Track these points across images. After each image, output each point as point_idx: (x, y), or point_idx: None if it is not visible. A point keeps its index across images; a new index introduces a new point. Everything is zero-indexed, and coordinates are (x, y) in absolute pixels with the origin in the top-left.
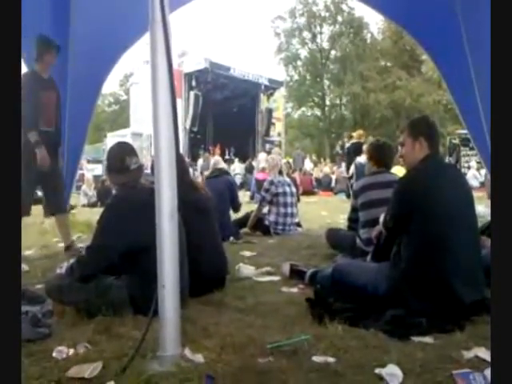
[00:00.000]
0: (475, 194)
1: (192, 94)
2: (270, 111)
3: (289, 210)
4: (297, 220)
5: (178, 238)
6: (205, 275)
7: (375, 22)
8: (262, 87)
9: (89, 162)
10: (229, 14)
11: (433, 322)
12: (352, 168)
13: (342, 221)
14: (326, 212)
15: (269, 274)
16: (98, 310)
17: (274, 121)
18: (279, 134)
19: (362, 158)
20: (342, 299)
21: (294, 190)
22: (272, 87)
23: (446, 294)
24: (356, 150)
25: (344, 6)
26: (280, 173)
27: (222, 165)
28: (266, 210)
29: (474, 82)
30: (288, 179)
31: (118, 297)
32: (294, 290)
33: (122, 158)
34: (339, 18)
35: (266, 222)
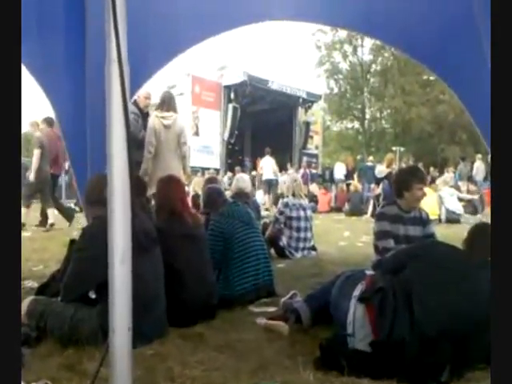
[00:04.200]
0: None
1: (230, 106)
2: (307, 124)
3: (302, 234)
4: (312, 243)
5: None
6: (189, 305)
7: None
8: (300, 100)
9: None
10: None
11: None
12: (380, 187)
13: (360, 244)
14: (349, 232)
15: (266, 304)
16: (69, 341)
17: (311, 134)
18: (317, 147)
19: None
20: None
21: (309, 214)
22: (310, 100)
23: None
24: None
25: None
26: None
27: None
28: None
29: None
30: (305, 202)
31: (90, 328)
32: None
33: (100, 190)
34: None
35: (281, 243)
